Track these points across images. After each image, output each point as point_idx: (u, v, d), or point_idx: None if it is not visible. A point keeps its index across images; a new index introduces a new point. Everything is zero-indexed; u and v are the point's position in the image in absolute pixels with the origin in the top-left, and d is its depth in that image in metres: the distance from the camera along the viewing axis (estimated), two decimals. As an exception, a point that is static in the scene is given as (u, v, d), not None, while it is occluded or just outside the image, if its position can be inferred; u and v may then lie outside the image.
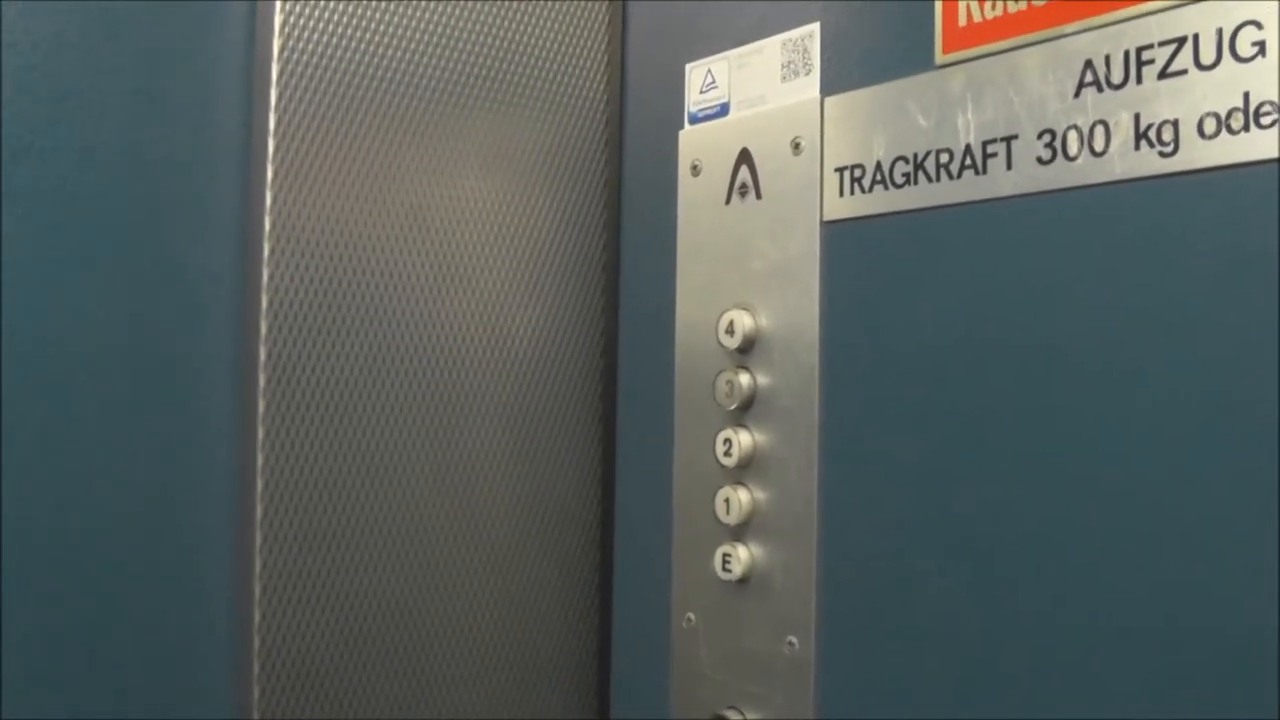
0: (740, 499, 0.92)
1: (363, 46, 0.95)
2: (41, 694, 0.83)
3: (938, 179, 0.81)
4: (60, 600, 0.84)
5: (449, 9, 1.00)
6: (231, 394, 0.92)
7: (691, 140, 1.01)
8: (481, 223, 1.03)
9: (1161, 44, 0.70)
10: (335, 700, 0.93)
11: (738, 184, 0.96)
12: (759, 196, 0.94)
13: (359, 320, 0.94)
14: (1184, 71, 0.68)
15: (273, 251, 0.90)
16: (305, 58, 0.91)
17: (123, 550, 0.87)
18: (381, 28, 0.96)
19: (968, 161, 0.79)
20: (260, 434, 0.88)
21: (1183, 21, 0.69)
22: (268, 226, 0.90)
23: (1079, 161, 0.73)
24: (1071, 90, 0.74)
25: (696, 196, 1.00)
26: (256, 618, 0.89)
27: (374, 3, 0.95)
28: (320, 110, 0.92)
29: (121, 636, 0.87)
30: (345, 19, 0.94)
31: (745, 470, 0.93)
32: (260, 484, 0.89)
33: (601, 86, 1.11)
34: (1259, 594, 0.64)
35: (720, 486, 0.93)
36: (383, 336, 0.96)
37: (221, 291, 0.92)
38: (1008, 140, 0.77)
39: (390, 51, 0.96)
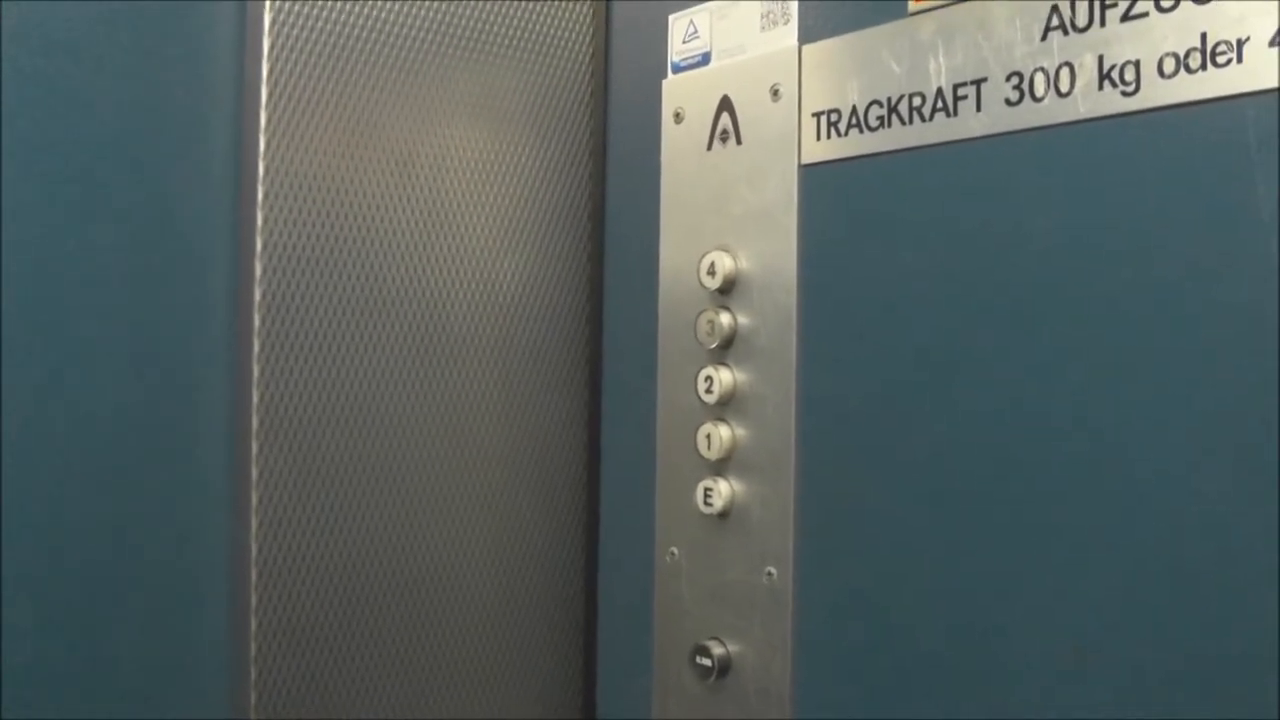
0: (721, 435, 0.95)
1: (353, -4, 0.97)
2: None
3: (910, 122, 0.84)
4: (65, 527, 0.86)
5: (437, -40, 1.02)
6: (227, 336, 0.94)
7: (674, 89, 1.03)
8: (469, 170, 1.05)
9: (1124, -13, 0.73)
10: (330, 630, 0.96)
11: (719, 130, 0.98)
12: (739, 142, 0.96)
13: (350, 264, 0.97)
14: (1145, 14, 0.71)
15: (266, 195, 0.92)
16: (297, 7, 0.93)
17: (121, 488, 0.89)
18: (371, -22, 0.98)
19: (939, 104, 0.82)
20: (256, 372, 0.91)
21: (1144, -35, 0.71)
22: (261, 171, 0.92)
23: (1045, 102, 0.76)
24: (1038, 34, 0.77)
25: (679, 143, 1.02)
26: (254, 550, 0.91)
27: (363, -47, 0.97)
28: (312, 59, 0.94)
29: (122, 570, 0.89)
30: (335, -31, 0.96)
31: (726, 407, 0.96)
32: (256, 421, 0.91)
33: (587, 37, 1.13)
34: (1250, 513, 0.67)
35: (702, 423, 0.96)
36: (373, 280, 0.98)
37: (216, 237, 0.94)
38: (977, 83, 0.80)
39: (379, 1, 0.98)
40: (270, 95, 0.92)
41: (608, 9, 1.14)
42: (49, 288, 0.85)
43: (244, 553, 0.92)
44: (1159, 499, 0.69)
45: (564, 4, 1.12)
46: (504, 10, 1.07)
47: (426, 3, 1.01)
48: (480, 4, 1.05)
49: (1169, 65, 0.70)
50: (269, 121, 0.92)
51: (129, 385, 0.89)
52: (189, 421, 0.93)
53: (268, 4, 0.92)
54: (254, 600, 0.92)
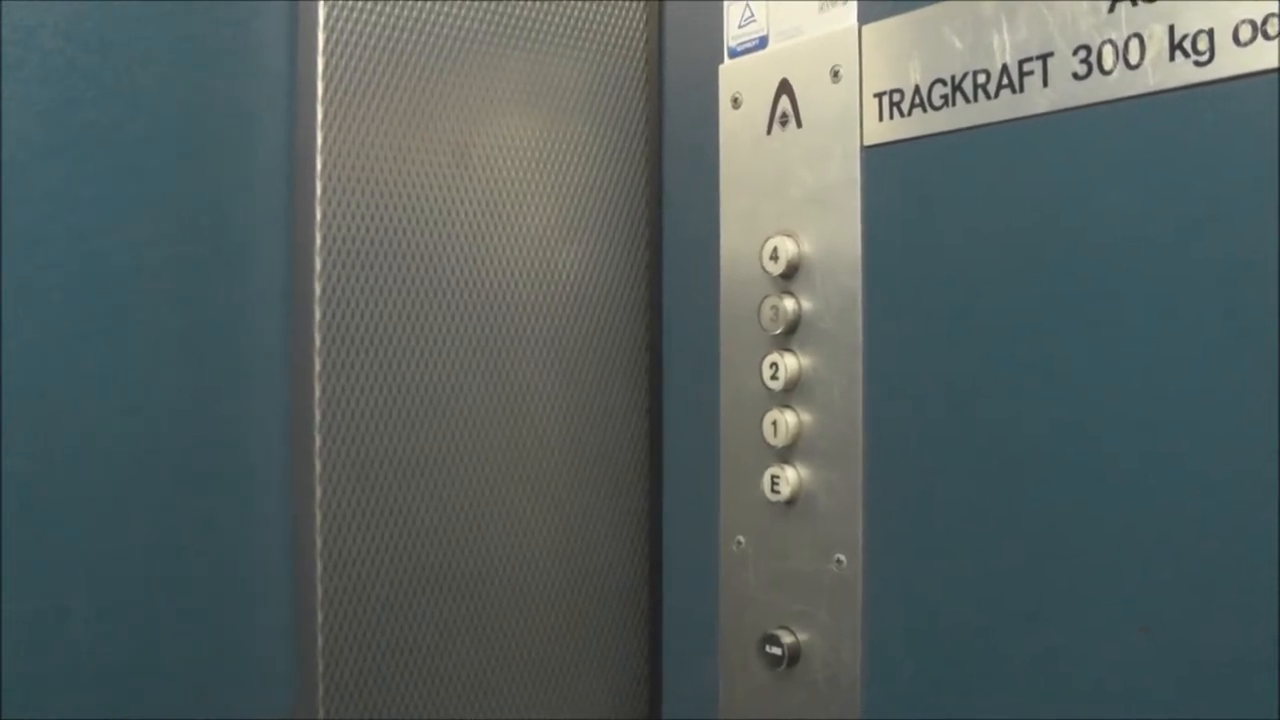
0: (787, 421, 0.94)
1: (407, -12, 0.97)
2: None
3: (975, 99, 0.82)
4: (123, 525, 0.87)
5: (490, -50, 1.02)
6: (283, 329, 0.94)
7: (732, 73, 1.02)
8: (525, 160, 1.05)
9: (1195, -47, 0.71)
10: (394, 622, 0.96)
11: (778, 114, 0.97)
12: (799, 125, 0.95)
13: (408, 256, 0.97)
14: (1218, -20, 0.70)
15: (324, 190, 0.92)
16: (350, 2, 0.93)
17: (180, 484, 0.90)
18: (425, -31, 0.98)
19: (1004, 81, 0.81)
20: (318, 365, 0.91)
21: (1216, -70, 0.70)
22: (319, 166, 0.92)
23: (1114, 75, 0.74)
24: (1105, 5, 0.75)
25: (737, 128, 1.01)
26: (318, 543, 0.92)
27: (417, -56, 0.97)
28: (366, 53, 0.94)
29: (183, 567, 0.90)
30: (390, -39, 0.96)
31: (791, 393, 0.95)
32: (319, 414, 0.91)
33: (641, 24, 1.13)
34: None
35: (767, 410, 0.95)
36: (431, 271, 0.98)
37: (270, 232, 0.94)
38: (1043, 58, 0.78)
39: (434, -7, 0.99)
40: (326, 90, 0.92)
41: (662, -5, 1.13)
42: (99, 284, 0.86)
43: (309, 546, 0.92)
44: (1236, 481, 0.68)
45: (617, -9, 1.11)
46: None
47: (480, -7, 1.01)
48: (534, -7, 1.05)
49: (1245, 32, 0.68)
50: (325, 116, 0.92)
51: (186, 380, 0.90)
52: (246, 416, 0.93)
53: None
54: (320, 593, 0.92)
